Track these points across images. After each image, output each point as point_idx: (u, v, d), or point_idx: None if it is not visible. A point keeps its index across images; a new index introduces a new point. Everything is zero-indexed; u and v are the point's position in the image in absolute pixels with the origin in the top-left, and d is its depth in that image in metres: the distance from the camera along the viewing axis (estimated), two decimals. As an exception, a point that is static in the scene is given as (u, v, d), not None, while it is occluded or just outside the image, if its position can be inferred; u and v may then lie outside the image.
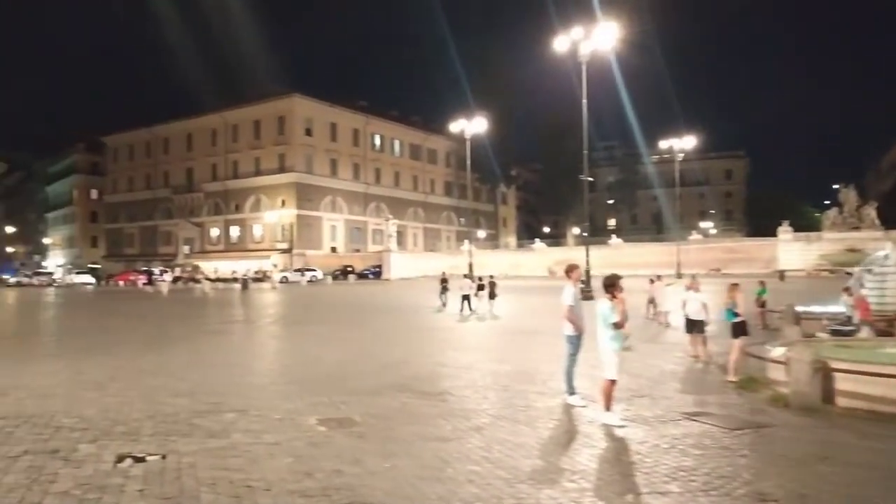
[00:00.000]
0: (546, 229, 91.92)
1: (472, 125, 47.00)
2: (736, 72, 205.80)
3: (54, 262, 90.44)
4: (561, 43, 31.47)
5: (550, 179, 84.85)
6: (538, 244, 68.74)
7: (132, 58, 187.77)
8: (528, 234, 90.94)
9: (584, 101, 30.88)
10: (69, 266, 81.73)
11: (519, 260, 63.58)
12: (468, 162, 51.01)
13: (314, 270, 57.03)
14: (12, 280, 59.74)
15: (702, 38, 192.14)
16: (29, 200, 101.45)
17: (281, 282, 48.74)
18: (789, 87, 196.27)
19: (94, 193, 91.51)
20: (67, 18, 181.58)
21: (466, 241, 55.56)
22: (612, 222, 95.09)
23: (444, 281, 24.12)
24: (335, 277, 55.71)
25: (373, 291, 39.07)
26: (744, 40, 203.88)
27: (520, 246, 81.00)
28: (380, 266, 62.73)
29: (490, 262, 53.82)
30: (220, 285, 49.26)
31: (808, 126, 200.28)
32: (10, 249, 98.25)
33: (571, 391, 7.97)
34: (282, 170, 69.28)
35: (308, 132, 70.24)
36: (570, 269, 8.28)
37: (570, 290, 7.98)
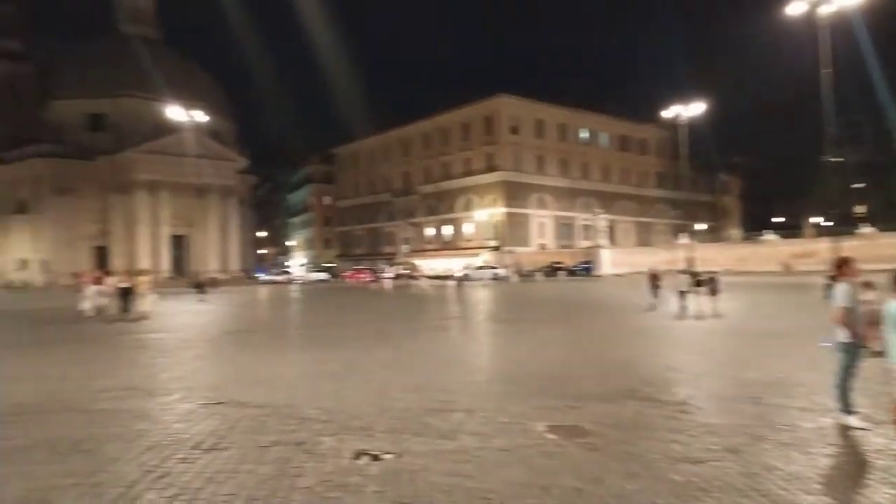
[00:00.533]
0: (777, 219, 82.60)
1: (688, 110, 43.59)
2: None
3: (296, 262, 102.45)
4: (796, 7, 27.79)
5: (781, 164, 76.18)
6: (769, 236, 61.91)
7: (359, 73, 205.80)
8: (753, 225, 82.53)
9: (827, 71, 26.94)
10: (309, 265, 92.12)
11: (745, 253, 57.76)
12: (683, 150, 47.52)
13: (496, 268, 57.20)
14: (264, 278, 68.83)
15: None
16: (276, 208, 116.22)
17: (463, 279, 48.88)
18: None
19: (326, 200, 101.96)
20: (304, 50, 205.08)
21: (683, 235, 51.82)
22: (861, 209, 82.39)
23: (654, 277, 22.44)
24: (547, 274, 55.57)
25: (583, 288, 38.04)
26: None
27: (746, 238, 73.76)
28: (590, 262, 61.15)
29: (712, 255, 49.55)
30: (437, 282, 51.66)
31: None
32: (262, 251, 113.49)
33: (848, 409, 6.60)
34: (490, 169, 70.83)
35: (514, 130, 70.96)
36: (843, 264, 6.89)
37: (844, 289, 6.63)
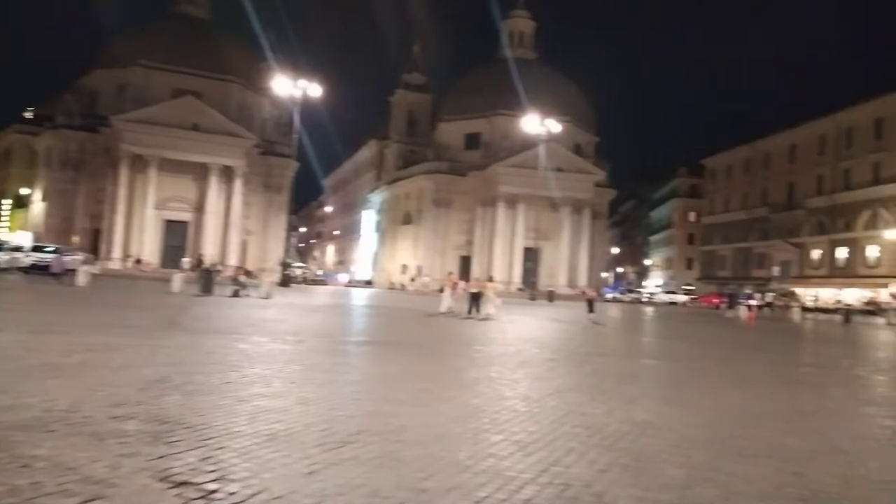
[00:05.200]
0: None
1: None
2: None
3: (654, 282, 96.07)
4: None
5: None
6: None
7: (737, 74, 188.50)
8: None
9: None
10: (665, 286, 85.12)
11: None
12: None
13: None
14: (609, 296, 65.13)
15: None
16: (637, 225, 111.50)
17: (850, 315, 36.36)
18: None
19: (691, 216, 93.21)
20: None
21: None
22: None
23: None
24: None
25: None
26: None
27: None
28: None
29: None
30: (821, 316, 40.98)
31: None
32: (620, 269, 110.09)
33: None
34: (912, 175, 54.41)
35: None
36: None
37: None
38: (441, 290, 26.20)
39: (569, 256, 69.38)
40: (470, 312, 22.68)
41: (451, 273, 37.44)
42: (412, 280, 63.83)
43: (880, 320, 37.10)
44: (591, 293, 28.40)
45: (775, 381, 11.03)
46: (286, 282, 42.94)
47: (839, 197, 61.82)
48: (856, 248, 59.74)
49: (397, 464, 4.58)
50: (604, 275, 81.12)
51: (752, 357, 15.68)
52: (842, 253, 61.30)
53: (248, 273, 40.93)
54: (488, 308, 22.71)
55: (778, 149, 72.61)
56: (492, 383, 8.78)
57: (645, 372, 11.62)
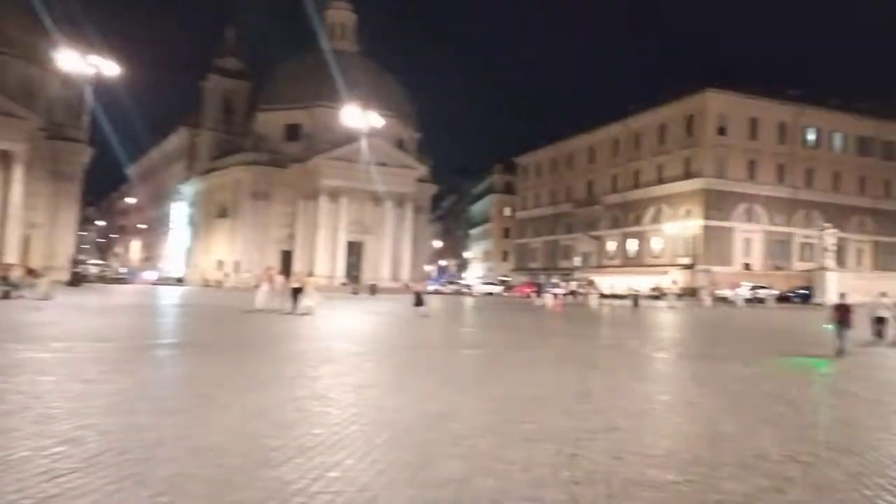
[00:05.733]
0: None
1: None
2: None
3: (473, 274, 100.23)
4: None
5: None
6: None
7: (546, 81, 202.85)
8: None
9: None
10: (484, 278, 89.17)
11: None
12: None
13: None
14: (431, 288, 66.60)
15: None
16: (458, 219, 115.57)
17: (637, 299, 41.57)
18: None
19: (507, 211, 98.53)
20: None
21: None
22: None
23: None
24: (750, 300, 46.12)
25: (796, 318, 29.69)
26: None
27: None
28: (808, 287, 50.53)
29: None
30: (615, 302, 45.23)
31: None
32: (443, 263, 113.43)
33: None
34: (688, 176, 61.99)
35: (721, 131, 61.38)
36: None
37: None
38: (259, 286, 24.94)
39: (392, 250, 69.86)
40: (290, 308, 22.31)
41: (269, 267, 35.84)
42: (226, 276, 60.38)
43: (663, 303, 41.79)
44: (419, 287, 28.55)
45: (567, 363, 11.63)
46: (77, 280, 38.30)
47: (630, 194, 68.83)
48: (643, 240, 67.00)
49: (138, 488, 3.90)
50: (427, 268, 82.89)
51: (551, 343, 16.61)
52: (632, 245, 68.43)
53: (30, 271, 36.01)
54: (307, 303, 22.49)
55: (579, 150, 79.08)
56: (286, 382, 8.21)
57: (448, 362, 11.70)
